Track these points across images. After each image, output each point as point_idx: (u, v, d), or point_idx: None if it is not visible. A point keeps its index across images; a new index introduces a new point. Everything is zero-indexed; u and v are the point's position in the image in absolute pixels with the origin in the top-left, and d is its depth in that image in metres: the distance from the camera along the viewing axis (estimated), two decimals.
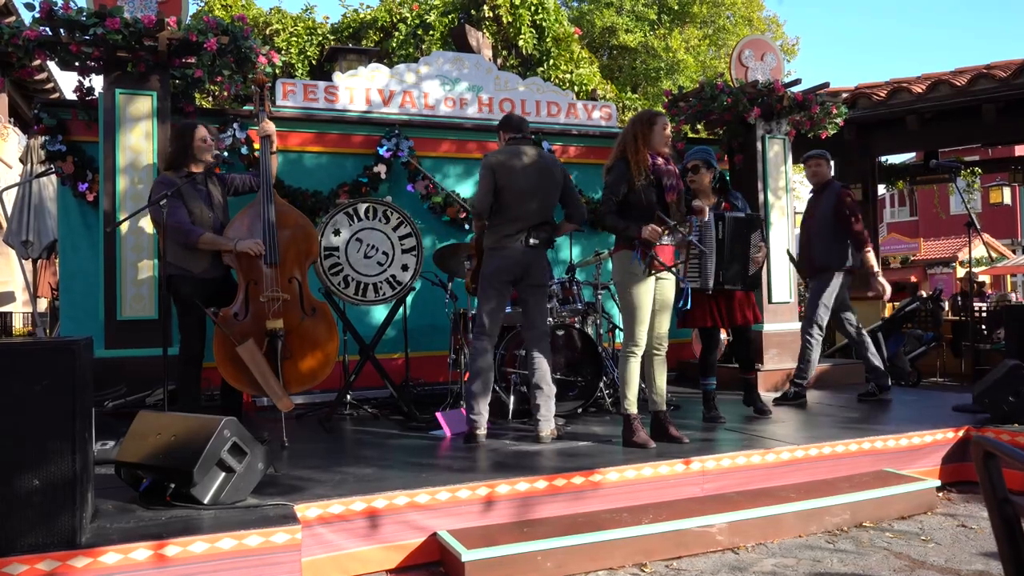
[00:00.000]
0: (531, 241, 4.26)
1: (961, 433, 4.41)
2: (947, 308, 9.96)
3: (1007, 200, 15.37)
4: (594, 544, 3.10)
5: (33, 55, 4.99)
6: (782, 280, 6.77)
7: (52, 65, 5.45)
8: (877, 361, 5.59)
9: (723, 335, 6.52)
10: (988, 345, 8.48)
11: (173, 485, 2.95)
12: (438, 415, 4.61)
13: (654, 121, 4.07)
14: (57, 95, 8.49)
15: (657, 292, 4.13)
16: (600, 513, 3.41)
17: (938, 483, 4.07)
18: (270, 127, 4.42)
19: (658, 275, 4.10)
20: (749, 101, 6.68)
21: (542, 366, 4.28)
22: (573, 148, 7.01)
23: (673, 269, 4.14)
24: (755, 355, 5.16)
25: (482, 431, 4.20)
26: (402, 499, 3.14)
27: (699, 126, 7.41)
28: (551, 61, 11.47)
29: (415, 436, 4.51)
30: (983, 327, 8.92)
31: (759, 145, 6.79)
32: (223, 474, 2.97)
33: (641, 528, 3.22)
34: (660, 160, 4.05)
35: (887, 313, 9.26)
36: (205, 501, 2.92)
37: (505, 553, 2.96)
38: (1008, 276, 22.30)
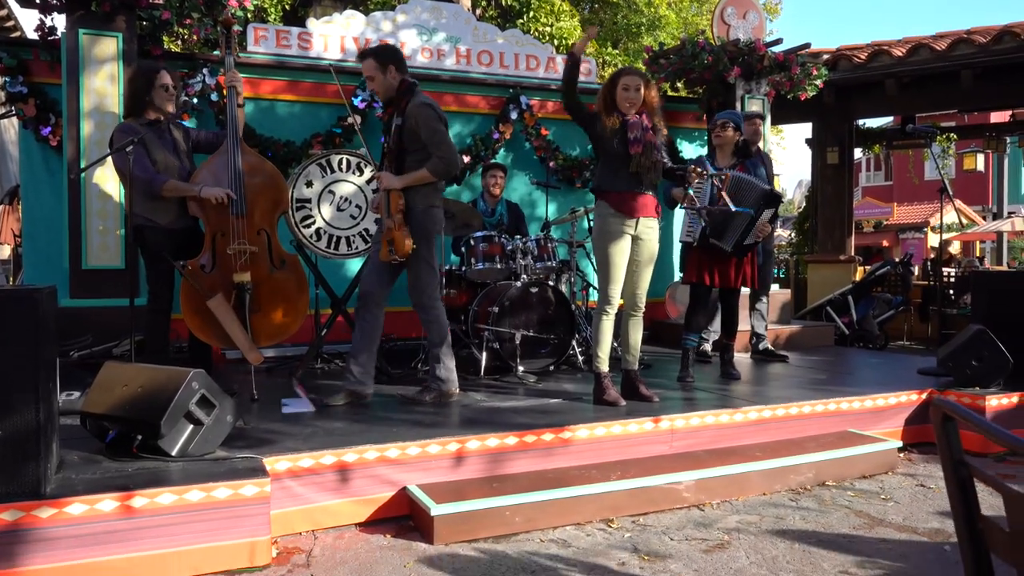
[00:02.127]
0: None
1: (925, 396, 4.50)
2: (916, 272, 10.10)
3: (980, 167, 15.49)
4: (562, 500, 3.14)
5: None
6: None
7: (12, 2, 5.24)
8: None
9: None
10: (955, 310, 8.64)
11: (140, 437, 2.92)
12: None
13: (615, 81, 4.04)
14: (18, 34, 8.18)
15: (635, 252, 4.12)
16: (569, 469, 3.45)
17: (900, 444, 4.17)
18: (235, 77, 4.22)
19: (637, 234, 4.09)
20: (730, 60, 6.62)
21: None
22: (551, 103, 6.92)
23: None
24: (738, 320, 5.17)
25: (456, 389, 4.16)
26: (372, 453, 3.15)
27: (679, 84, 7.35)
28: (531, 13, 11.29)
29: (387, 391, 4.50)
30: (951, 292, 9.07)
31: (738, 105, 6.75)
32: (191, 426, 2.94)
33: (609, 484, 3.26)
34: (632, 116, 4.01)
35: (858, 277, 9.38)
36: (173, 453, 2.89)
37: (474, 508, 2.99)
38: (978, 242, 22.64)
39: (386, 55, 3.98)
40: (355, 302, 4.20)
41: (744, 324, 5.78)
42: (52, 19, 5.14)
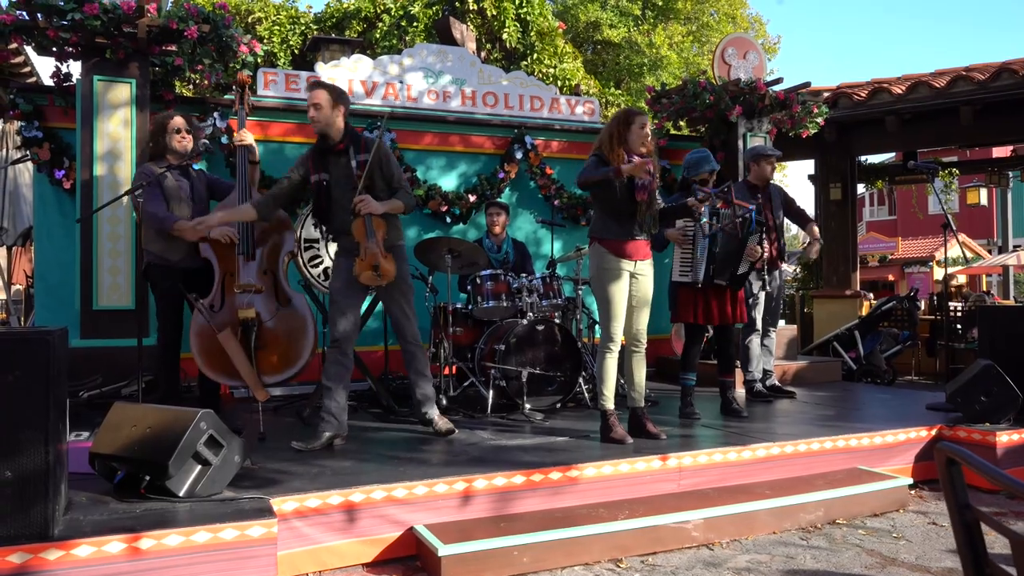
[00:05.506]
0: None
1: (934, 432, 4.47)
2: (923, 307, 10.08)
3: (983, 201, 15.57)
4: (570, 539, 3.12)
5: (9, 39, 4.92)
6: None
7: (29, 50, 5.37)
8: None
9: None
10: (962, 344, 8.60)
11: (148, 477, 2.92)
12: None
13: (631, 120, 4.06)
14: (34, 79, 8.34)
15: (634, 289, 4.14)
16: (577, 508, 3.42)
17: (910, 481, 4.12)
18: (242, 137, 4.33)
19: (635, 272, 4.11)
20: (731, 99, 6.71)
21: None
22: (556, 143, 7.02)
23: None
24: (736, 355, 5.17)
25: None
26: (379, 493, 3.14)
27: (681, 123, 7.44)
28: (535, 55, 11.46)
29: (393, 429, 4.50)
30: (958, 327, 9.04)
31: (740, 143, 6.83)
32: (199, 467, 2.95)
33: (617, 524, 3.23)
34: (637, 158, 4.04)
35: (864, 312, 9.36)
36: (180, 494, 2.90)
37: (481, 548, 2.97)
38: (984, 276, 22.59)
39: (342, 97, 3.98)
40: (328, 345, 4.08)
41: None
42: (68, 66, 5.26)
